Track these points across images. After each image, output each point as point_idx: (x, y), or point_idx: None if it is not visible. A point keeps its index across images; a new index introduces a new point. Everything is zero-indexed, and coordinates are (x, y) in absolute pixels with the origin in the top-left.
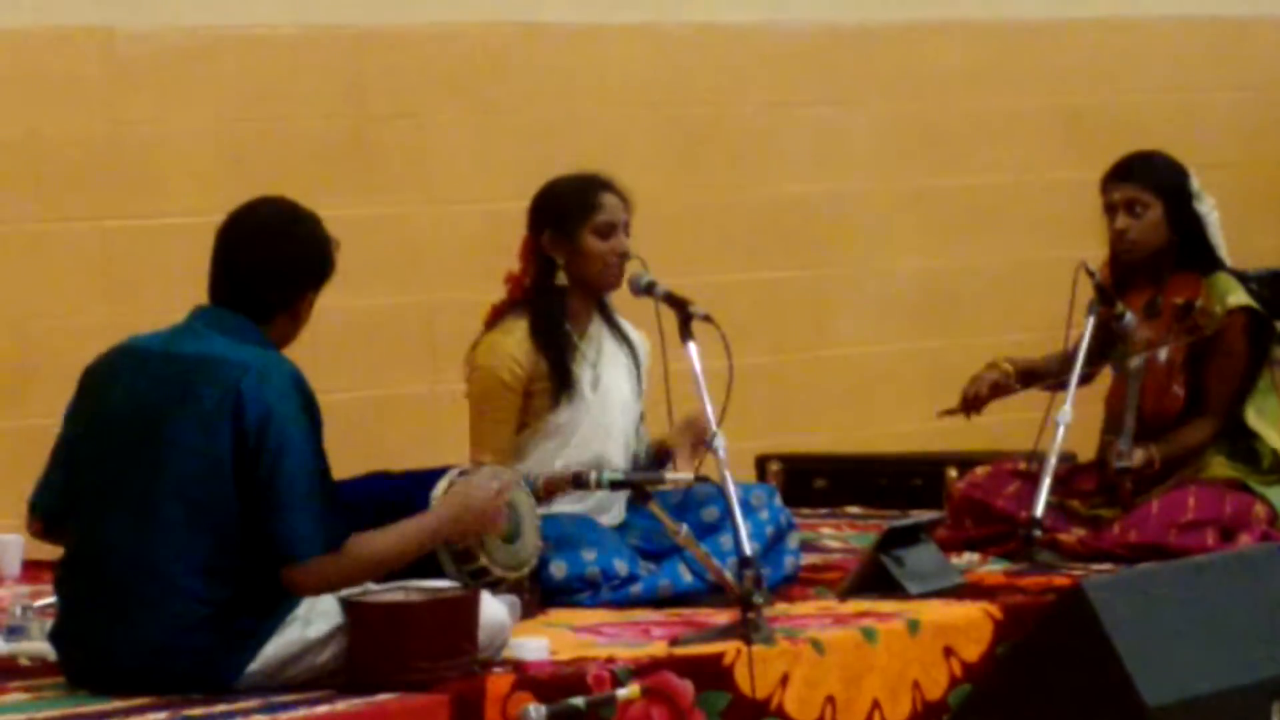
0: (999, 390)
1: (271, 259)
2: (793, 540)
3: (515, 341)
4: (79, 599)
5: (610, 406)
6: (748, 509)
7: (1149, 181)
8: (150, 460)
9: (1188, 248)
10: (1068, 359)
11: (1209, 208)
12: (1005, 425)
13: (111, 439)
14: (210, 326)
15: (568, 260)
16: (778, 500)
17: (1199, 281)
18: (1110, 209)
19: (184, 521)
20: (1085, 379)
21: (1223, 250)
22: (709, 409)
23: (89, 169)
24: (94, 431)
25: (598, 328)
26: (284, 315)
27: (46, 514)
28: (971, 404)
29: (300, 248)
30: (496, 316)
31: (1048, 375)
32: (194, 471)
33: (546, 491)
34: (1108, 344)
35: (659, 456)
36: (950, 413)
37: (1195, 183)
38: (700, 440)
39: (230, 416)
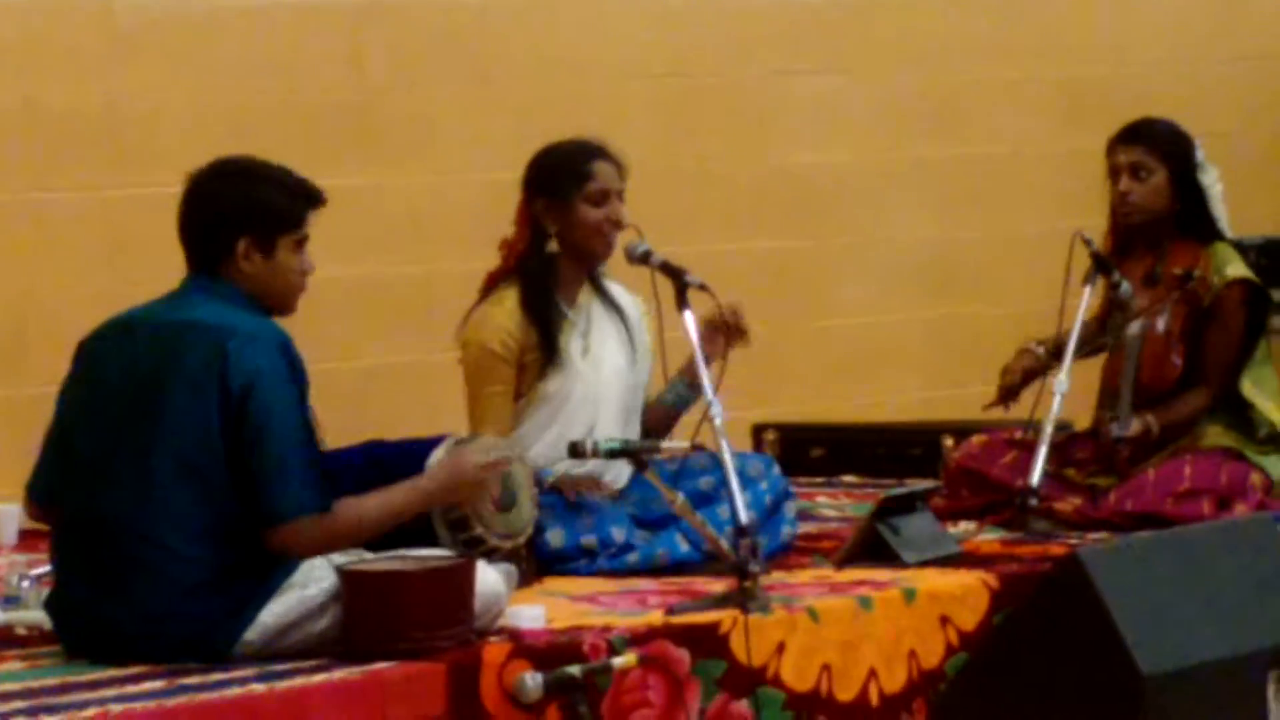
0: (1031, 375)
1: (192, 207)
2: (790, 509)
3: (506, 312)
4: (75, 567)
5: (602, 375)
6: (746, 479)
7: (1155, 146)
8: (143, 426)
9: (1189, 216)
10: (1093, 328)
11: (1213, 179)
12: (993, 396)
13: (104, 408)
14: (200, 293)
15: (561, 228)
16: (776, 470)
17: (1199, 251)
18: (1114, 171)
19: (178, 487)
20: (1090, 352)
21: (1224, 222)
22: (705, 377)
23: (88, 139)
24: (87, 403)
25: (588, 297)
26: (230, 265)
27: (43, 497)
28: (1009, 394)
29: (215, 195)
30: (490, 284)
31: (1081, 346)
32: (185, 436)
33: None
34: (1110, 314)
35: (693, 374)
36: (991, 405)
37: (1201, 153)
38: (720, 326)
39: (217, 379)
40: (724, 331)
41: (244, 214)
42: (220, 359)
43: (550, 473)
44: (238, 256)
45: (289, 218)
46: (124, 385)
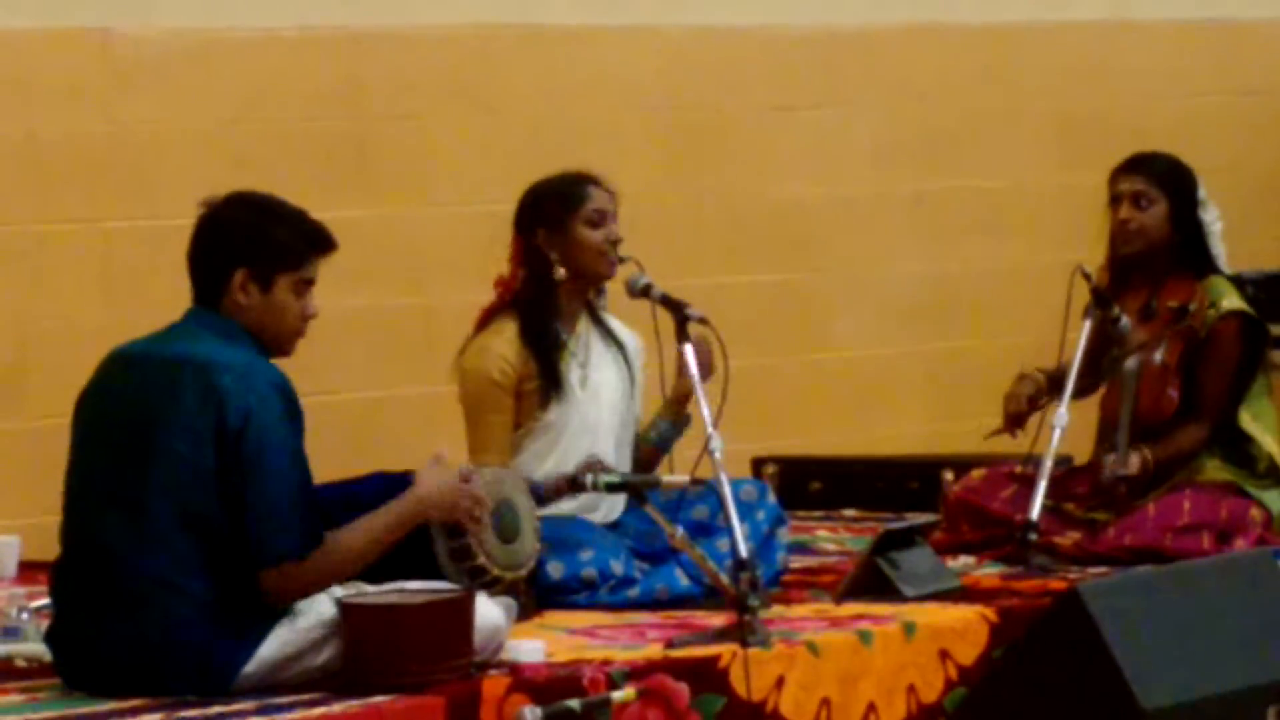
0: (1035, 403)
1: (200, 233)
2: (782, 535)
3: (505, 341)
4: (75, 599)
5: (600, 406)
6: (744, 508)
7: (1158, 177)
8: (140, 460)
9: (1187, 251)
10: (1085, 364)
11: (1214, 217)
12: (997, 426)
13: (103, 442)
14: (199, 327)
15: (562, 254)
16: (770, 496)
17: (1195, 285)
18: (1116, 200)
19: (175, 520)
20: (1087, 389)
21: (1222, 260)
22: (705, 411)
23: (87, 170)
24: (87, 437)
25: (586, 327)
26: (226, 299)
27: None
28: (1015, 421)
29: (223, 223)
30: (485, 319)
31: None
32: (181, 471)
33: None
34: (1107, 348)
35: (679, 407)
36: (996, 433)
37: (1203, 191)
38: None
39: (212, 417)
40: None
41: (245, 244)
42: (215, 396)
43: (542, 483)
44: (234, 287)
45: (291, 256)
46: (121, 420)
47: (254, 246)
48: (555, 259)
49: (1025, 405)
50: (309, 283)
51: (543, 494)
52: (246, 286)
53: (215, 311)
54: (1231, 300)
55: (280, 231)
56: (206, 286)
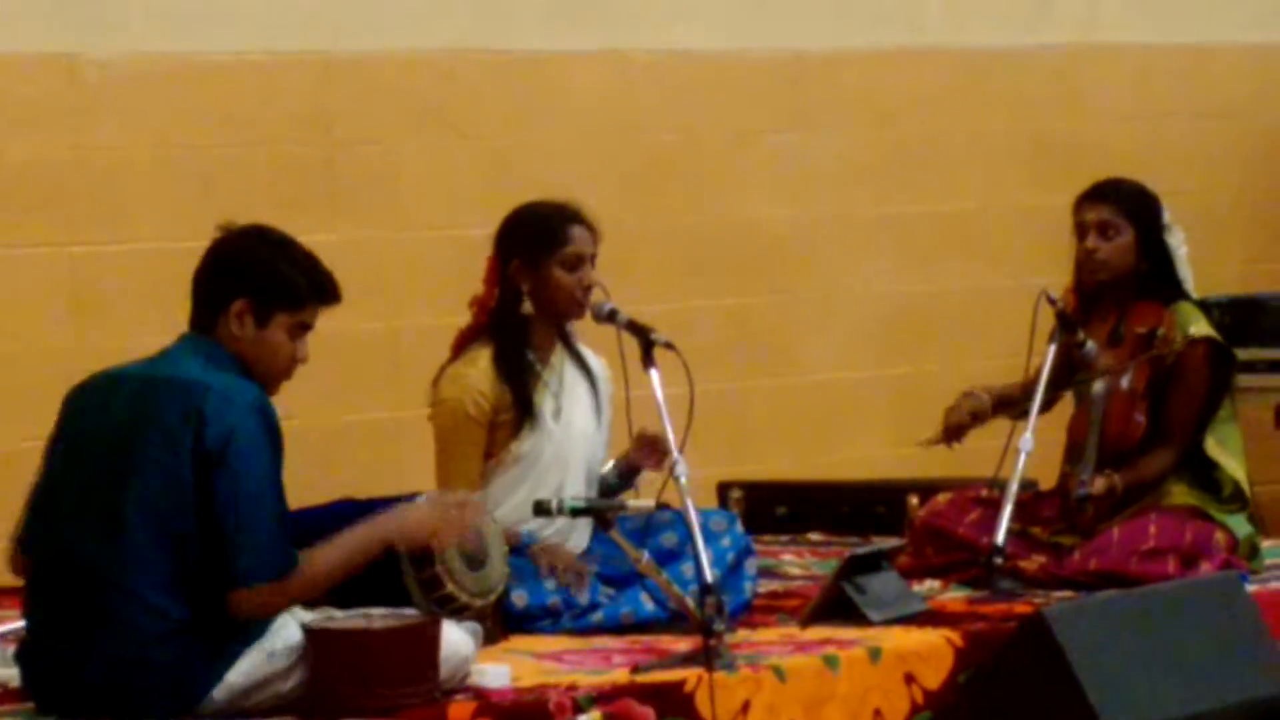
0: (978, 418)
1: (208, 257)
2: (750, 566)
3: (479, 372)
4: (47, 615)
5: (572, 436)
6: (709, 536)
7: (1123, 205)
8: (117, 476)
9: (1154, 277)
10: (1032, 386)
11: (1179, 241)
12: (967, 452)
13: (82, 459)
14: (187, 352)
15: (532, 289)
16: (738, 526)
17: (1162, 310)
18: (1081, 229)
19: (149, 537)
20: (1045, 406)
21: (1190, 284)
22: (671, 436)
23: (54, 195)
24: (67, 453)
25: (560, 356)
26: (222, 326)
27: (28, 548)
28: (953, 433)
29: (233, 251)
30: (462, 343)
31: (1017, 403)
32: (158, 488)
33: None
34: (1070, 372)
35: (627, 473)
36: (931, 442)
37: (1168, 215)
38: (659, 459)
39: (192, 436)
40: (652, 448)
41: (250, 276)
42: (196, 416)
43: (533, 539)
44: (231, 315)
45: (293, 296)
46: (100, 436)
47: (259, 279)
48: (525, 291)
49: (967, 418)
50: (306, 327)
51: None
52: (243, 317)
53: (207, 337)
54: (1200, 326)
55: (288, 270)
56: (204, 310)
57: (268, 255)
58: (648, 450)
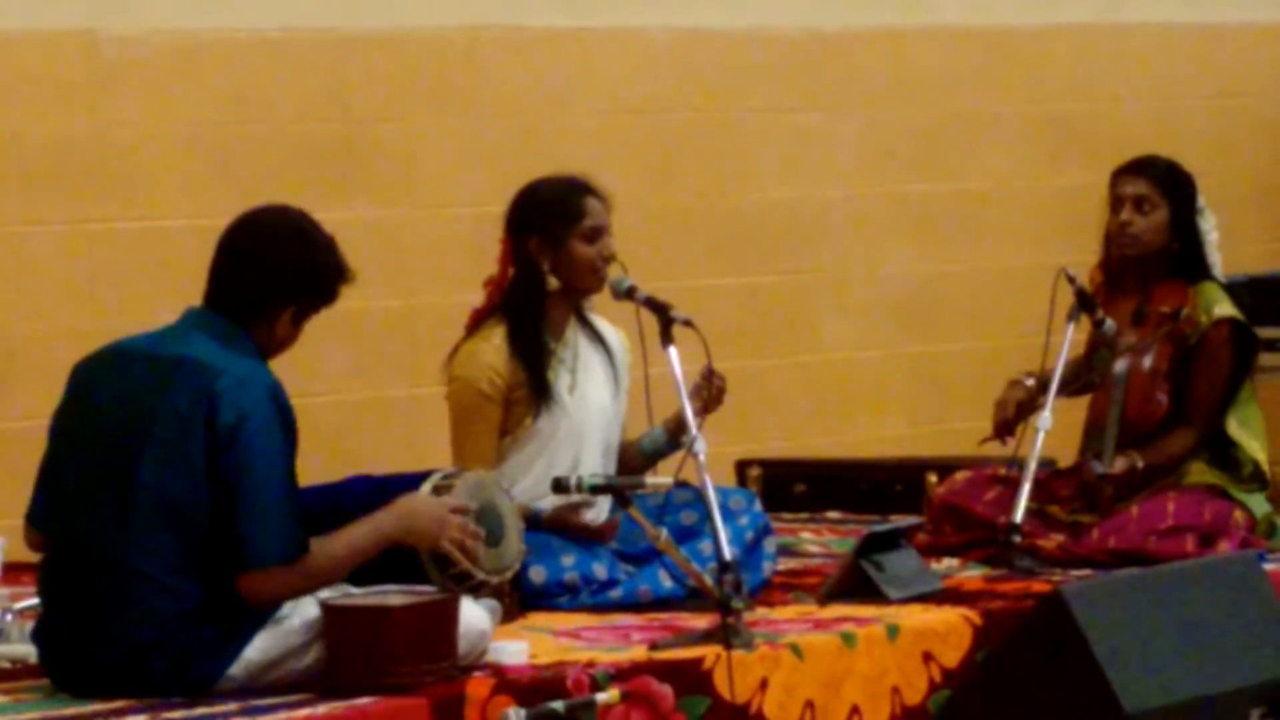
0: (1025, 408)
1: (252, 263)
2: (769, 545)
3: (493, 349)
4: (62, 597)
5: (587, 412)
6: (728, 514)
7: (1161, 183)
8: (129, 458)
9: (1183, 257)
10: (1078, 365)
11: (1210, 226)
12: (985, 431)
13: (93, 437)
14: (198, 329)
15: (554, 265)
16: (757, 505)
17: (1186, 290)
18: (1117, 202)
19: (162, 519)
20: (1086, 388)
21: (1218, 269)
22: (689, 413)
23: (72, 172)
24: (78, 431)
25: (574, 332)
26: (260, 323)
27: (41, 523)
28: (1004, 429)
29: (283, 257)
30: (476, 321)
31: (1068, 383)
32: (170, 471)
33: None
34: (1095, 350)
35: (676, 432)
36: (989, 439)
37: (1202, 199)
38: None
39: (205, 419)
40: (707, 396)
41: (301, 287)
42: (210, 399)
43: (544, 508)
44: (275, 319)
45: (329, 297)
46: (113, 415)
47: (307, 290)
48: (546, 268)
49: (1013, 411)
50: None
51: (542, 521)
52: (287, 322)
53: (223, 315)
54: (1224, 307)
55: (330, 277)
56: (239, 303)
57: (310, 264)
58: (698, 395)
